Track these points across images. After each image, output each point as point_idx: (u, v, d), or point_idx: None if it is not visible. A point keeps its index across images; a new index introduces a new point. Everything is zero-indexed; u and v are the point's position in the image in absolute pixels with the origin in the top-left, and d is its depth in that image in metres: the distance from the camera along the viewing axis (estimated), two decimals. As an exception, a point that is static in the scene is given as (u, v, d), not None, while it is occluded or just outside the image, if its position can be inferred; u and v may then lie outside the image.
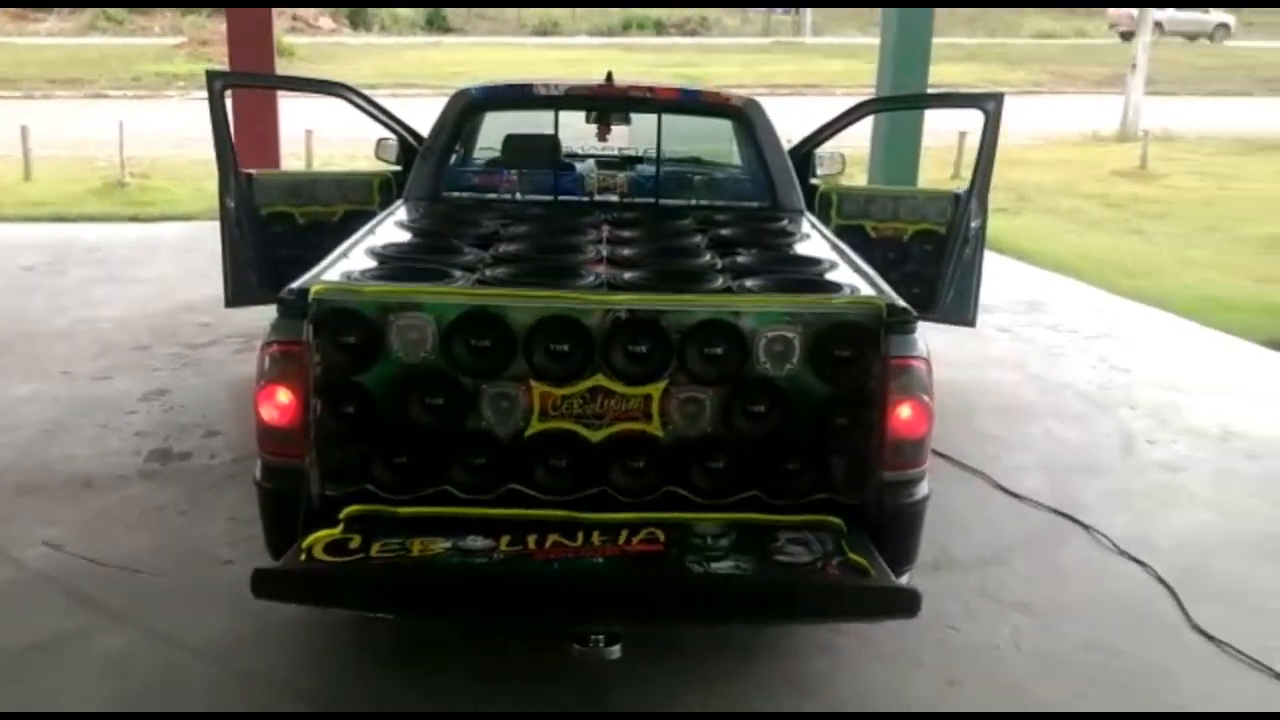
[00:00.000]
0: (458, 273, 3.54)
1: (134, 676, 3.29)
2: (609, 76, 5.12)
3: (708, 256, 3.96)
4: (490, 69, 28.12)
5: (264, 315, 6.27)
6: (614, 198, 5.16)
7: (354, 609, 3.04)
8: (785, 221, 4.75)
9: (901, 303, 3.24)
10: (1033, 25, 44.96)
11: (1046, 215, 11.97)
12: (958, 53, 31.23)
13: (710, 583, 2.88)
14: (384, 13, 40.59)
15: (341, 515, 3.13)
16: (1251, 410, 5.78)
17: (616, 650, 2.89)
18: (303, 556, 2.90)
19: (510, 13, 44.08)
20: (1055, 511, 4.48)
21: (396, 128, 6.01)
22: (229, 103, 5.68)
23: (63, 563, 3.91)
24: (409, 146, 5.99)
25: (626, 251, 4.00)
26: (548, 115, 5.37)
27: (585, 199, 5.13)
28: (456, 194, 5.04)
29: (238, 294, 5.91)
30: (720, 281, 3.54)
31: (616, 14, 45.40)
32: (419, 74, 25.42)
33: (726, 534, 3.10)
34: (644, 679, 3.24)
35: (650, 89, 5.11)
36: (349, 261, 3.67)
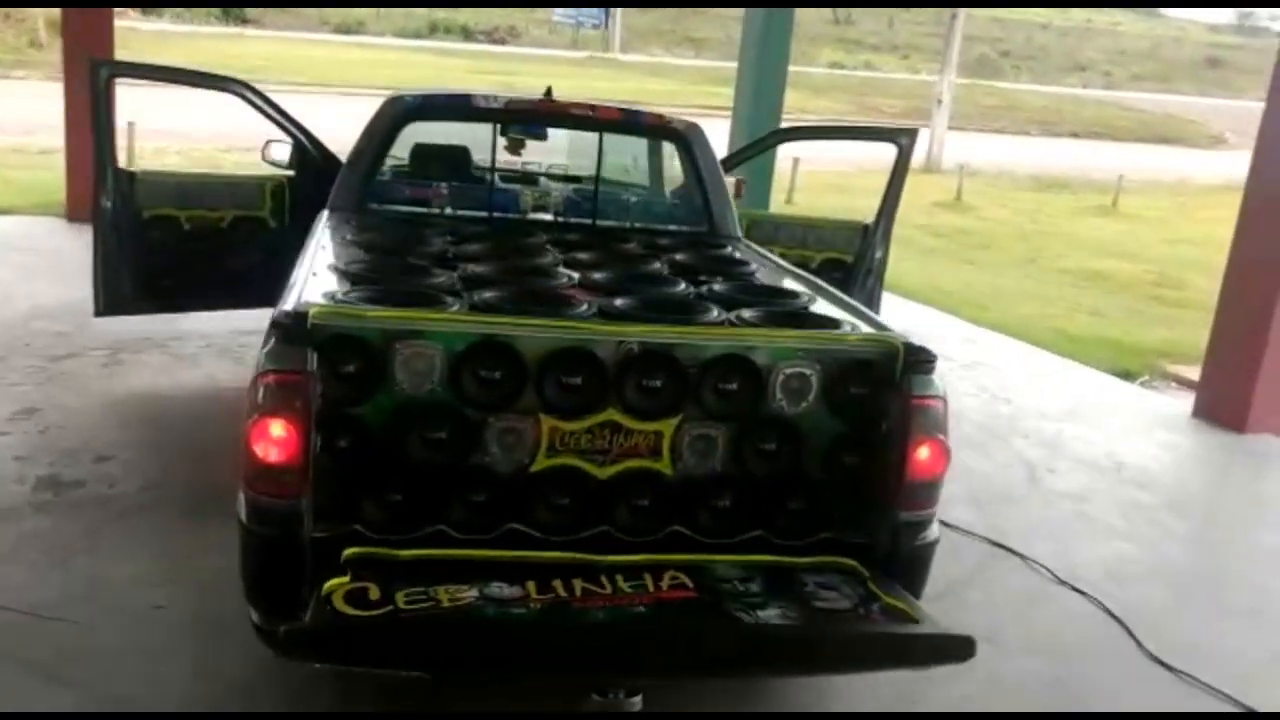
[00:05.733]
0: (448, 298, 3.31)
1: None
2: (548, 92, 4.96)
3: (682, 285, 3.86)
4: (297, 65, 27.13)
5: (130, 325, 5.96)
6: (547, 216, 5.00)
7: (393, 669, 2.78)
8: (729, 248, 4.71)
9: (919, 342, 3.24)
10: (826, 56, 47.03)
11: (882, 243, 12.41)
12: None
13: (770, 634, 2.77)
14: (176, -1, 38.58)
15: (344, 559, 2.87)
16: (1130, 441, 6.15)
17: (638, 701, 2.76)
18: (325, 609, 2.63)
19: (311, 9, 42.68)
20: (991, 542, 4.60)
21: (294, 130, 5.67)
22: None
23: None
24: (304, 150, 5.68)
25: (596, 276, 3.85)
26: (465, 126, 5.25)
27: (517, 216, 4.94)
28: (382, 206, 4.76)
29: (110, 303, 5.44)
30: (716, 313, 3.45)
31: (422, 16, 44.69)
32: (222, 68, 24.18)
33: (751, 578, 3.00)
34: None
35: (592, 107, 4.97)
36: (320, 281, 3.38)
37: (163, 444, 4.86)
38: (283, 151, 5.73)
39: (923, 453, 3.12)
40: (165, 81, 5.42)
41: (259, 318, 6.31)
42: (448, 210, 4.88)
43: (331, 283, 3.39)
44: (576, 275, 3.85)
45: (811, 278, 4.20)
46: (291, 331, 2.87)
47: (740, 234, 5.02)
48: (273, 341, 2.87)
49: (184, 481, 4.49)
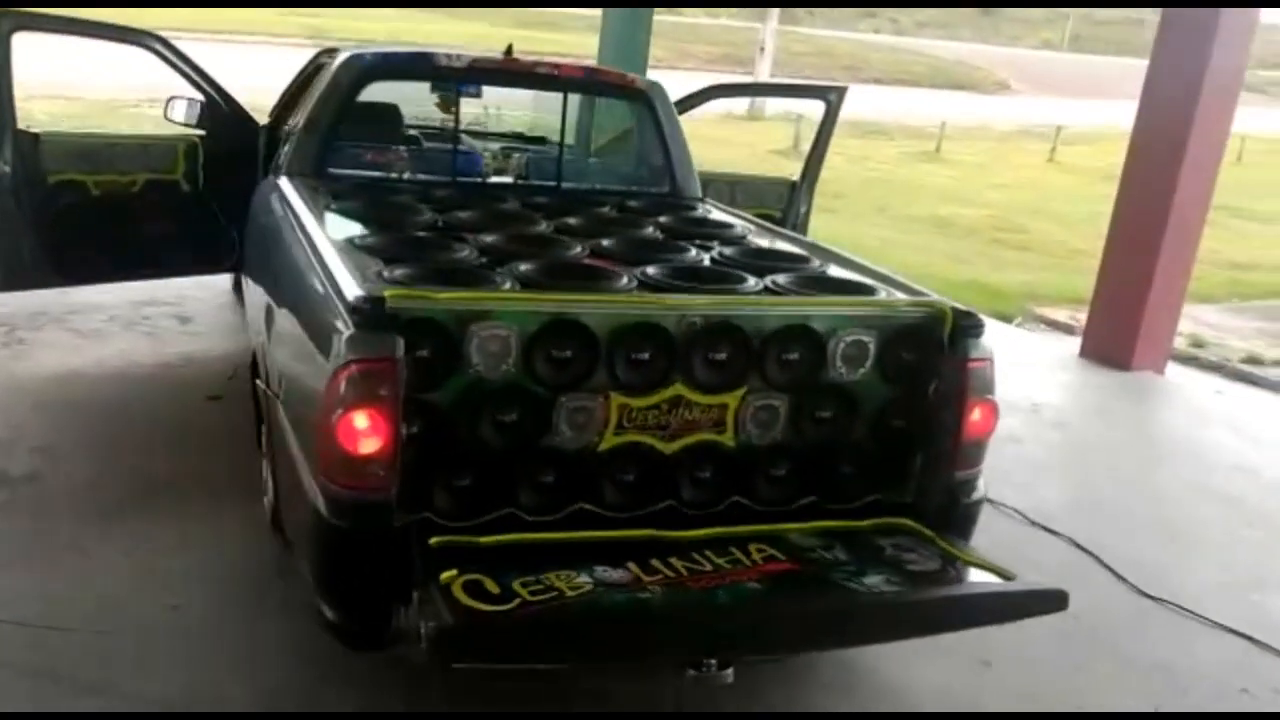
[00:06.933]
0: (495, 274, 3.19)
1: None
2: (509, 50, 4.79)
3: (692, 251, 3.84)
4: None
5: (18, 300, 5.47)
6: (508, 179, 4.86)
7: (537, 663, 2.70)
8: (701, 210, 4.71)
9: (964, 306, 3.33)
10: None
11: (738, 192, 12.62)
12: (581, 22, 32.03)
13: (890, 602, 2.82)
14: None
15: (433, 548, 2.77)
16: (1037, 383, 6.52)
17: (730, 674, 2.77)
18: (455, 604, 2.52)
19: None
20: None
21: (207, 88, 5.33)
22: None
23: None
24: (216, 108, 5.36)
25: (605, 244, 3.78)
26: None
27: (480, 180, 4.79)
28: (342, 172, 4.51)
29: (10, 276, 5.03)
30: (753, 281, 3.44)
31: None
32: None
33: (830, 545, 3.05)
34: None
35: (556, 66, 4.84)
36: (355, 260, 3.18)
37: (100, 430, 4.51)
38: (190, 109, 5.40)
39: (977, 414, 3.23)
40: (74, 34, 4.94)
41: (156, 288, 6.07)
42: (407, 175, 4.68)
43: (363, 261, 3.20)
44: (584, 244, 3.77)
45: (801, 237, 4.26)
46: (372, 317, 2.70)
47: (701, 194, 5.02)
48: (352, 329, 2.70)
49: (138, 470, 4.18)
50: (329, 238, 3.42)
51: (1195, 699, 3.49)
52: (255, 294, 4.14)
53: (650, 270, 3.41)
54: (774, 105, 21.86)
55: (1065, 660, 3.64)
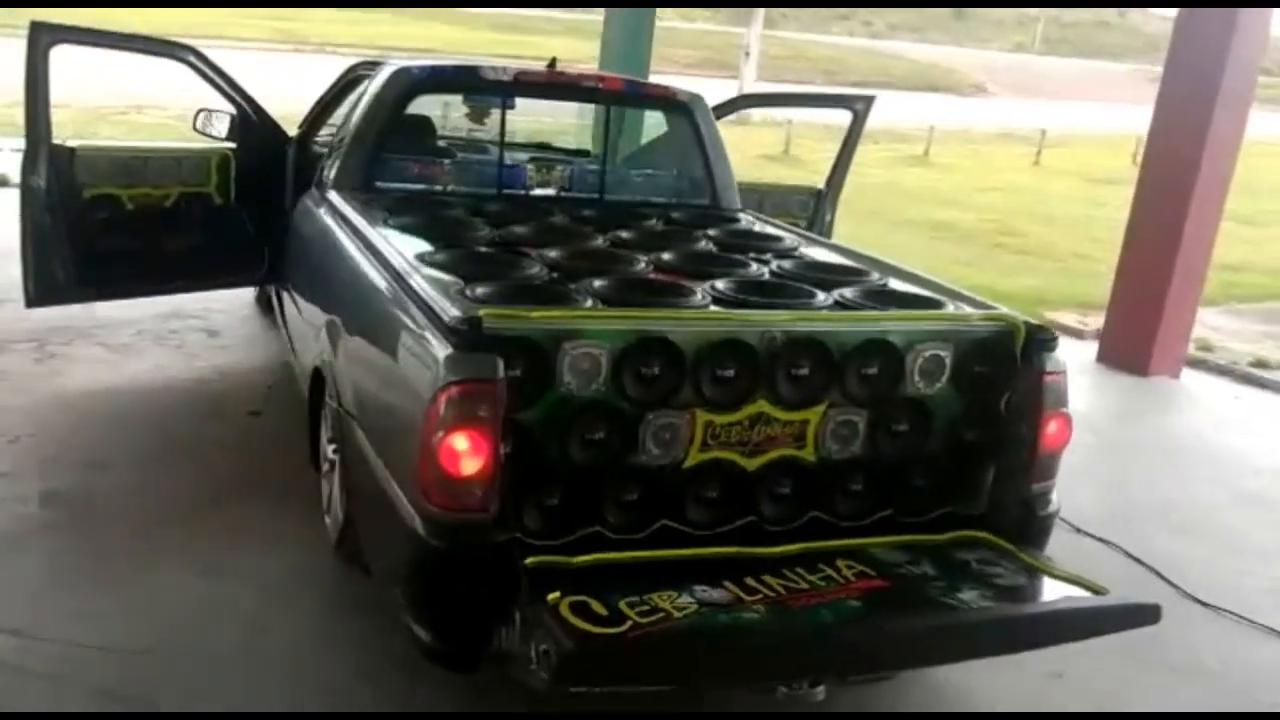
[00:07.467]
0: (573, 291, 3.20)
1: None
2: (552, 63, 4.78)
3: (753, 266, 3.85)
4: None
5: (43, 315, 5.41)
6: (551, 192, 4.86)
7: (661, 685, 2.71)
8: (745, 222, 4.72)
9: (1035, 320, 3.37)
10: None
11: (736, 197, 12.64)
12: (557, 26, 32.05)
13: (989, 619, 2.84)
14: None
15: (530, 569, 2.76)
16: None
17: (821, 691, 2.79)
18: (570, 626, 2.51)
19: None
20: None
21: (240, 101, 5.31)
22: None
23: (31, 649, 3.10)
24: (247, 121, 5.35)
25: (666, 258, 3.79)
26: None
27: (523, 192, 4.78)
28: (387, 185, 4.49)
29: (43, 292, 4.96)
30: (822, 296, 3.46)
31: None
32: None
33: (916, 560, 3.07)
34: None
35: (600, 78, 4.85)
36: (432, 278, 3.17)
37: (144, 446, 4.46)
38: (221, 121, 5.39)
39: (1053, 426, 3.27)
40: (112, 48, 4.90)
41: (180, 301, 6.01)
42: (451, 187, 4.67)
43: (439, 279, 3.18)
44: (645, 258, 3.77)
45: (852, 248, 4.29)
46: (470, 338, 2.70)
47: (740, 206, 5.04)
48: (451, 349, 2.69)
49: (184, 488, 4.16)
50: (401, 254, 3.41)
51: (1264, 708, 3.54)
52: (310, 311, 4.11)
53: (719, 285, 3.43)
54: (758, 110, 21.84)
55: (1122, 669, 3.66)
